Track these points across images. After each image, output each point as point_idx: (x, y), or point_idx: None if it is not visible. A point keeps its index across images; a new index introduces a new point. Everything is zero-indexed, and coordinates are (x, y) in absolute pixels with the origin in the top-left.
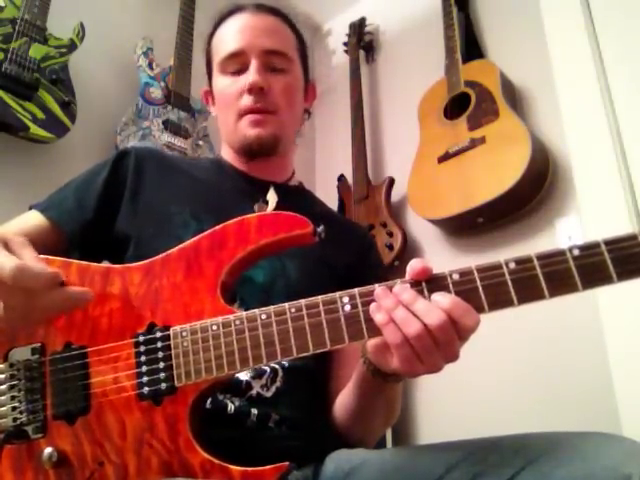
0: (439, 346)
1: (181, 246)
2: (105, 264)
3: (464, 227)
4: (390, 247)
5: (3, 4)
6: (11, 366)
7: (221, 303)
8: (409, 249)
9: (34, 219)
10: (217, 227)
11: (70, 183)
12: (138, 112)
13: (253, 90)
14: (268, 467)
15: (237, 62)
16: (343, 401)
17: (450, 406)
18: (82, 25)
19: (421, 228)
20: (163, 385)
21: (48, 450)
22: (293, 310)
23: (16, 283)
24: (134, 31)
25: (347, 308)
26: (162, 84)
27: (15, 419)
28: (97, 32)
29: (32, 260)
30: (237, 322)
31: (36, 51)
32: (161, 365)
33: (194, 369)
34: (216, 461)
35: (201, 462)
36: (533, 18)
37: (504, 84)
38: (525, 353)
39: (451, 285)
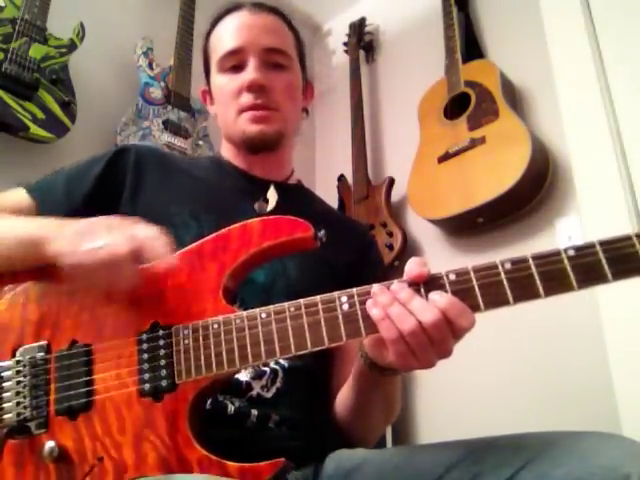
0: (433, 343)
1: (185, 249)
2: None
3: (464, 227)
4: (390, 247)
5: (3, 4)
6: (17, 363)
7: (222, 303)
8: (409, 249)
9: (18, 196)
10: (221, 231)
11: (63, 170)
12: (138, 112)
13: (253, 88)
14: (264, 463)
15: (236, 60)
16: (343, 397)
17: (450, 406)
18: (82, 25)
19: (421, 228)
20: (164, 382)
21: (49, 445)
22: (292, 309)
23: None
24: (134, 31)
25: (345, 307)
26: (162, 84)
27: (19, 414)
28: (97, 32)
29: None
30: (237, 321)
31: (36, 51)
32: (162, 362)
33: (194, 366)
34: (213, 457)
35: (199, 458)
36: (533, 18)
37: (504, 84)
38: (524, 352)
39: (447, 285)
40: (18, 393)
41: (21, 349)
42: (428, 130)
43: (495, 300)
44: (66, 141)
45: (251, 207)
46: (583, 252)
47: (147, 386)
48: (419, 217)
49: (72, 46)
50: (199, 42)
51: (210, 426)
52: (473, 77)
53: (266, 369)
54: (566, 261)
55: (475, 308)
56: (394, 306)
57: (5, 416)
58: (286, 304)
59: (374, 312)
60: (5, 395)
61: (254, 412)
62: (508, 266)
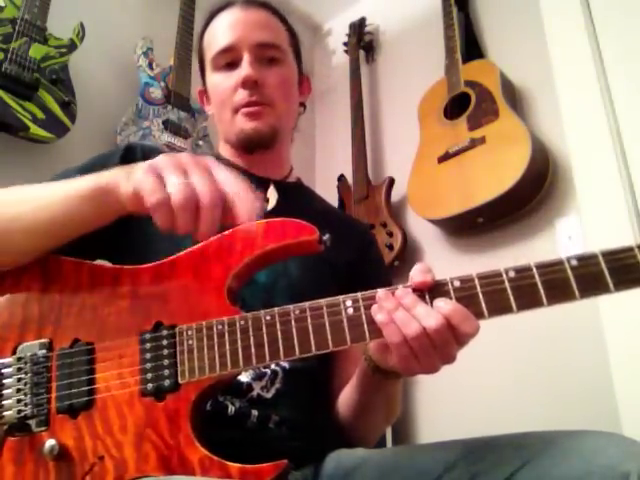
0: (437, 348)
1: (190, 249)
2: (103, 262)
3: (464, 227)
4: (390, 247)
5: (3, 4)
6: (19, 360)
7: (227, 304)
8: (409, 249)
9: None
10: (226, 232)
11: (71, 169)
12: (138, 112)
13: (247, 84)
14: (266, 464)
15: (229, 57)
16: (345, 397)
17: (450, 406)
18: (82, 25)
19: (421, 228)
20: (166, 382)
21: (50, 443)
22: (297, 312)
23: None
24: (134, 31)
25: (350, 311)
26: (162, 84)
27: (19, 411)
28: (97, 32)
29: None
30: (242, 322)
31: (36, 51)
32: (165, 362)
33: (198, 366)
34: (215, 458)
35: (200, 459)
36: (533, 18)
37: (504, 84)
38: (525, 352)
39: (452, 291)
40: (19, 390)
41: (22, 346)
42: (428, 130)
43: (499, 308)
44: (66, 141)
45: None
46: (586, 262)
47: (149, 386)
48: (419, 217)
49: (72, 46)
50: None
51: (210, 427)
52: (473, 77)
53: (266, 370)
54: (569, 271)
55: (479, 315)
56: (399, 311)
57: (5, 413)
58: (291, 307)
59: (379, 317)
60: (5, 392)
61: (254, 413)
62: (512, 274)
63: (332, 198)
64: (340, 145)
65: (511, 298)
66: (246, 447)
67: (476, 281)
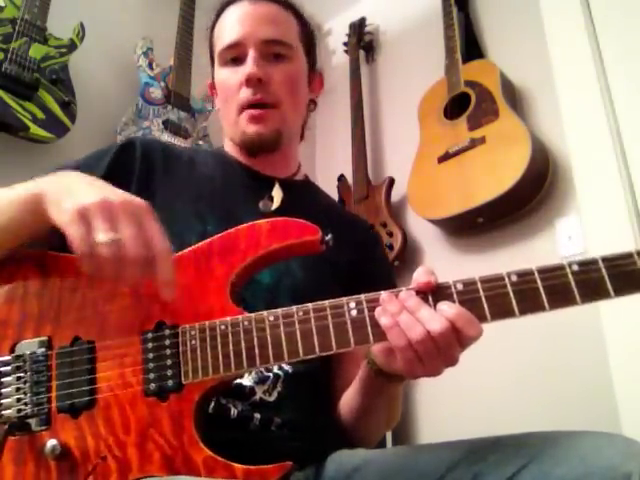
0: (440, 352)
1: (193, 248)
2: None
3: (464, 227)
4: (390, 247)
5: (3, 4)
6: (17, 358)
7: (230, 304)
8: (409, 249)
9: None
10: (229, 230)
11: (67, 165)
12: (138, 112)
13: (251, 82)
14: (271, 466)
15: (235, 53)
16: (347, 400)
17: (450, 406)
18: (82, 25)
19: (421, 228)
20: (170, 382)
21: (51, 443)
22: (301, 313)
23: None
24: (134, 31)
25: (353, 313)
26: (162, 84)
27: (19, 410)
28: (97, 32)
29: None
30: (245, 322)
31: (36, 51)
32: (168, 362)
33: (201, 367)
34: (220, 459)
35: (204, 459)
36: (533, 18)
37: (504, 84)
38: (525, 353)
39: (455, 294)
40: (18, 389)
41: (20, 344)
42: (428, 130)
43: (502, 311)
44: (66, 141)
45: (256, 205)
46: (586, 268)
47: (152, 385)
48: (419, 217)
49: (72, 46)
50: (199, 42)
51: (213, 428)
52: (473, 77)
53: (269, 374)
54: (570, 276)
55: (482, 319)
56: (403, 314)
57: (5, 412)
58: (294, 308)
59: (383, 320)
60: (4, 391)
61: (257, 416)
62: (514, 278)
63: (333, 198)
64: (340, 145)
65: (513, 302)
66: (248, 448)
67: (479, 284)
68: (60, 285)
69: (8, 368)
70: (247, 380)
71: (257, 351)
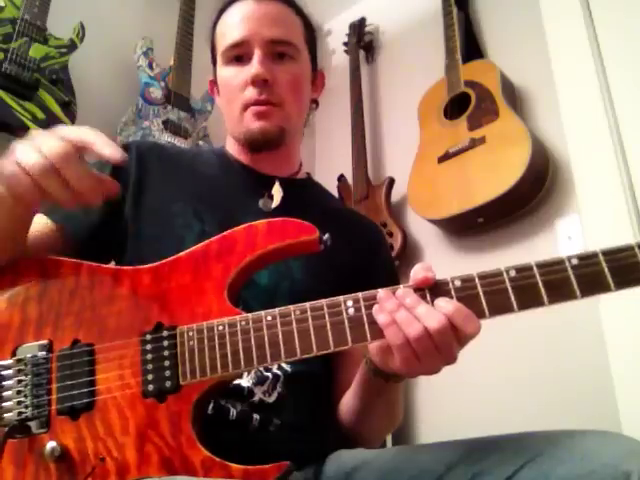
0: (438, 349)
1: (190, 249)
2: (112, 265)
3: (464, 227)
4: (390, 247)
5: (3, 4)
6: (18, 362)
7: (228, 305)
8: (409, 249)
9: (39, 222)
10: (227, 232)
11: None
12: (138, 112)
13: (257, 82)
14: (269, 465)
15: (240, 51)
16: (346, 402)
17: (450, 406)
18: (82, 25)
19: (421, 228)
20: (168, 383)
21: (51, 445)
22: (298, 312)
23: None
24: (134, 31)
25: (351, 311)
26: (162, 84)
27: (20, 413)
28: (97, 32)
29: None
30: (243, 323)
31: (36, 51)
32: (166, 363)
33: (199, 367)
34: (217, 459)
35: (202, 460)
36: (533, 18)
37: (504, 84)
38: (525, 352)
39: (453, 291)
40: (19, 392)
41: (21, 347)
42: (428, 130)
43: (500, 307)
44: None
45: (255, 204)
46: (586, 262)
47: (151, 387)
48: (419, 217)
49: (72, 46)
50: (199, 42)
51: (211, 429)
52: (473, 77)
53: (268, 374)
54: (569, 270)
55: (480, 315)
56: (400, 312)
57: (6, 415)
58: (291, 307)
59: (381, 318)
60: (5, 394)
61: (256, 416)
62: (513, 274)
63: (335, 196)
64: (340, 145)
65: (512, 297)
66: (247, 449)
67: (477, 281)
68: (60, 288)
69: (9, 372)
70: (245, 381)
71: (255, 351)
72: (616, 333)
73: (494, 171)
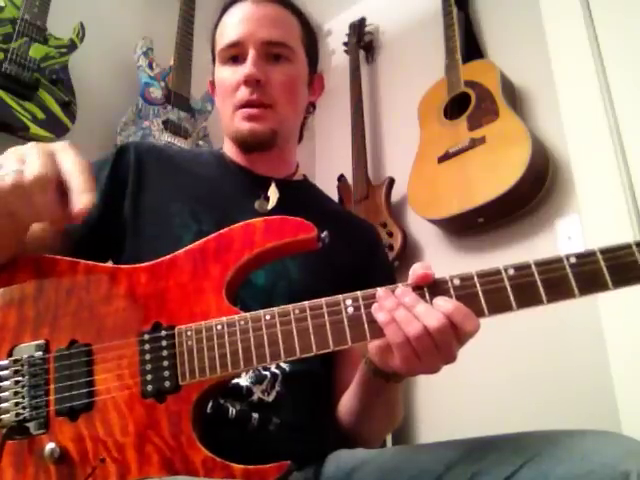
0: (438, 347)
1: (188, 248)
2: (110, 264)
3: (464, 227)
4: (390, 247)
5: (3, 4)
6: (15, 362)
7: (226, 304)
8: (409, 249)
9: None
10: (224, 230)
11: None
12: (138, 112)
13: (249, 82)
14: (270, 465)
15: (235, 52)
16: (346, 402)
17: (450, 406)
18: (82, 25)
19: (421, 228)
20: (167, 383)
21: (50, 446)
22: (297, 311)
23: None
24: (134, 31)
25: (350, 310)
26: (162, 84)
27: (18, 414)
28: (97, 32)
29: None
30: (241, 322)
31: (36, 51)
32: (165, 363)
33: (198, 367)
34: (218, 459)
35: (203, 460)
36: (533, 18)
37: (504, 84)
38: (525, 352)
39: (452, 289)
40: (16, 393)
41: (18, 348)
42: (428, 130)
43: (499, 306)
44: None
45: (251, 205)
46: (584, 260)
47: (150, 387)
48: (419, 217)
49: (72, 46)
50: (199, 42)
51: (211, 429)
52: (473, 77)
53: (266, 373)
54: (568, 268)
55: (479, 313)
56: (399, 310)
57: (3, 416)
58: (290, 306)
59: (380, 316)
60: (2, 395)
61: (255, 416)
62: (511, 272)
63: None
64: (340, 145)
65: (511, 296)
66: (246, 448)
67: (476, 279)
68: (57, 288)
69: (6, 372)
70: (244, 380)
71: (254, 351)
72: (616, 332)
73: (494, 171)
